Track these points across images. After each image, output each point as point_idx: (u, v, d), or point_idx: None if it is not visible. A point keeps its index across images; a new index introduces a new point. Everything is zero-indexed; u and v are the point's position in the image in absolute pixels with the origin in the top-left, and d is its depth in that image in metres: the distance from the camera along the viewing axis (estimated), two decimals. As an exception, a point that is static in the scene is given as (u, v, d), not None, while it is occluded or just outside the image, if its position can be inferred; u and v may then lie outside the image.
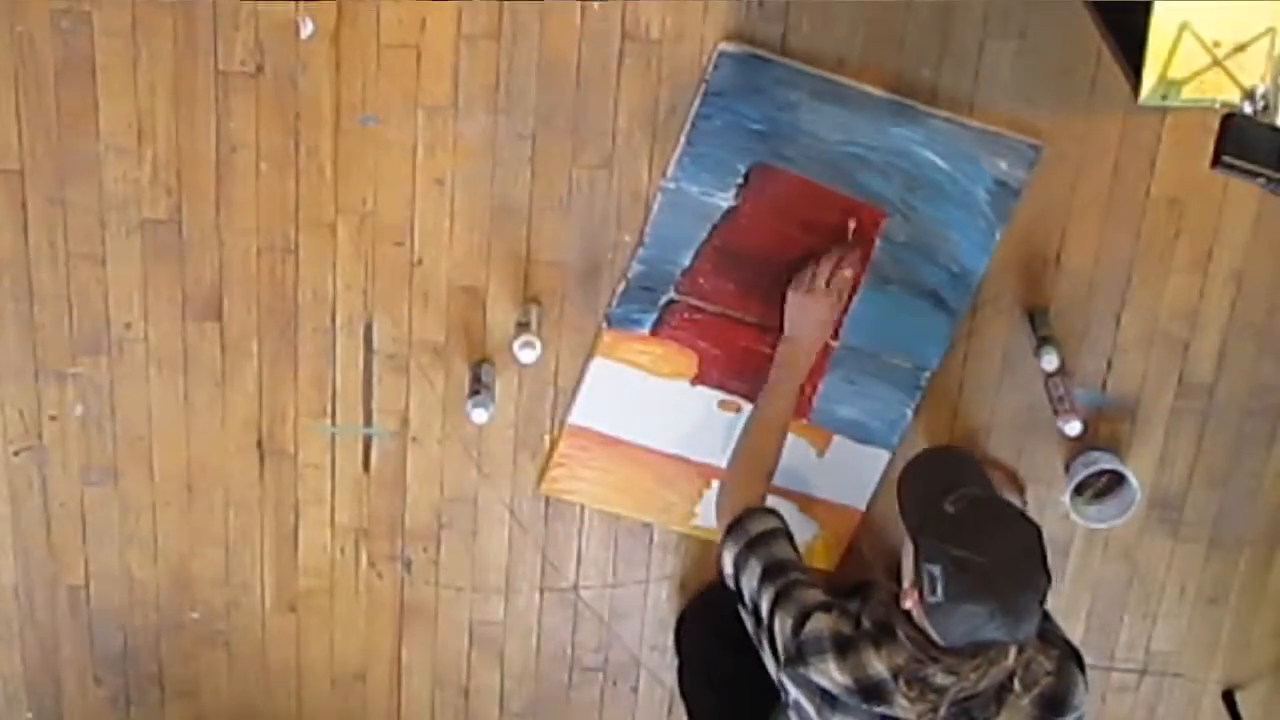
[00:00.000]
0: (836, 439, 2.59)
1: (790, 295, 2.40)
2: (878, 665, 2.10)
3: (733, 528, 2.27)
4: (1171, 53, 1.86)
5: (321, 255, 2.48)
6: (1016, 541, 2.04)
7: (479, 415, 2.44)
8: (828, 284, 2.37)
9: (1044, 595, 2.04)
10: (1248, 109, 1.85)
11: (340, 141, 2.40)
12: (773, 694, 2.26)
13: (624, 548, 2.69)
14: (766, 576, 2.20)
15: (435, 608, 2.74)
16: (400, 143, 2.41)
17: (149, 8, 2.31)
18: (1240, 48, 1.86)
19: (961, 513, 2.02)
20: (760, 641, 2.21)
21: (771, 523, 2.28)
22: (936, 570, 1.98)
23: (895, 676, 2.08)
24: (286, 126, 2.39)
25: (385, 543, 2.68)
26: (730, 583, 2.27)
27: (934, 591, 1.98)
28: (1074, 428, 2.48)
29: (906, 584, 2.06)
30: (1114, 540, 2.70)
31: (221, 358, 2.54)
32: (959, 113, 2.38)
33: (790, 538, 2.27)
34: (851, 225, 2.42)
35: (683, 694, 2.68)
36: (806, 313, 2.39)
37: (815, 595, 2.17)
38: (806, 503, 2.64)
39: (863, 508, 2.65)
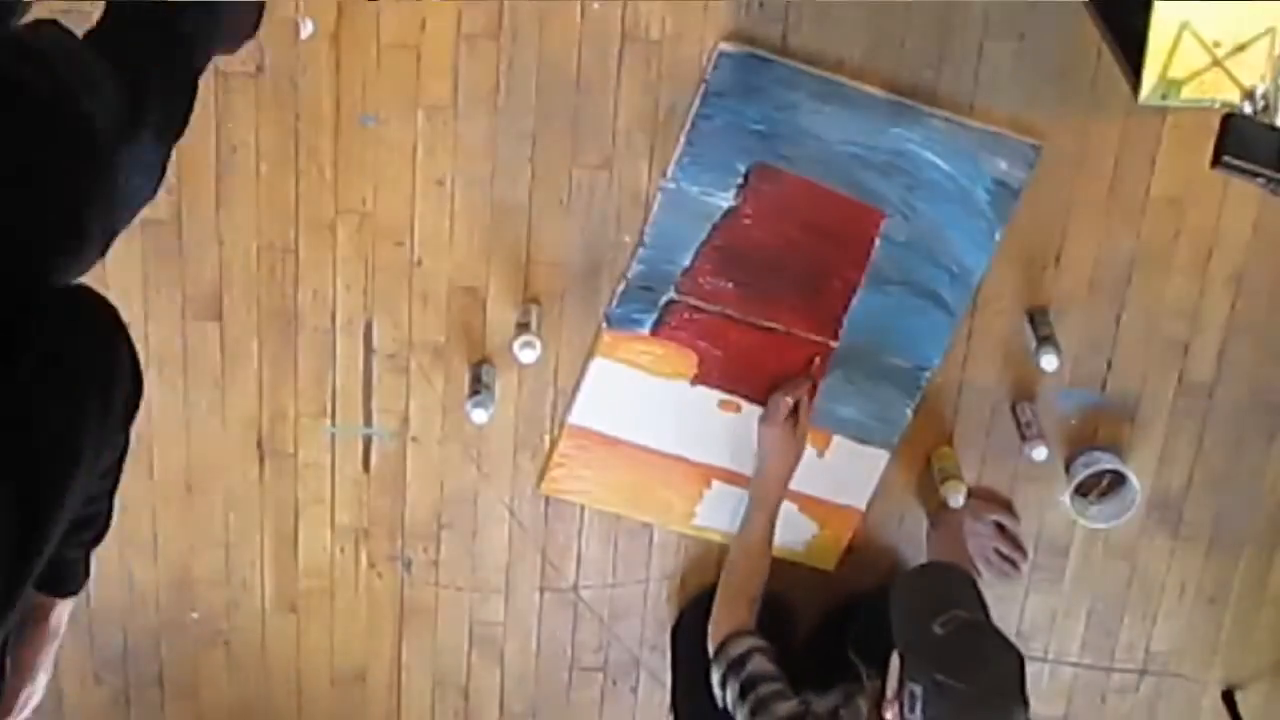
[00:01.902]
0: (836, 439, 2.59)
1: (759, 429, 2.51)
2: None
3: (718, 652, 2.35)
4: (1171, 53, 1.86)
5: (321, 255, 2.48)
6: (999, 671, 2.08)
7: (479, 415, 2.44)
8: (782, 415, 2.47)
9: None
10: (1248, 109, 1.85)
11: (340, 141, 2.40)
12: None
13: (624, 548, 2.69)
14: (743, 693, 2.28)
15: (435, 608, 2.74)
16: (400, 143, 2.41)
17: (149, 8, 2.31)
18: (1240, 48, 1.86)
19: (949, 636, 2.08)
20: None
21: (750, 643, 2.34)
22: (918, 690, 2.03)
23: None
24: (286, 126, 2.39)
25: (385, 543, 2.68)
26: (719, 699, 2.34)
27: (913, 709, 2.03)
28: (1040, 453, 2.51)
29: (889, 694, 2.10)
30: (1114, 540, 2.70)
31: (221, 358, 2.54)
32: (959, 113, 2.38)
33: (769, 651, 2.33)
34: (816, 360, 2.52)
35: (673, 705, 2.68)
36: (766, 443, 2.50)
37: (789, 707, 2.24)
38: (806, 503, 2.64)
39: (863, 507, 2.65)
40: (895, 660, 2.10)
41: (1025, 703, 2.08)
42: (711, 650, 2.36)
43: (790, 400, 2.48)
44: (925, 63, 2.36)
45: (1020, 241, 2.47)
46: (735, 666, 2.30)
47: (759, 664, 2.29)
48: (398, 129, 2.40)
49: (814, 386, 2.52)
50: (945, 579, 2.29)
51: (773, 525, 2.49)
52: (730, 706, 2.30)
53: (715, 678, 2.34)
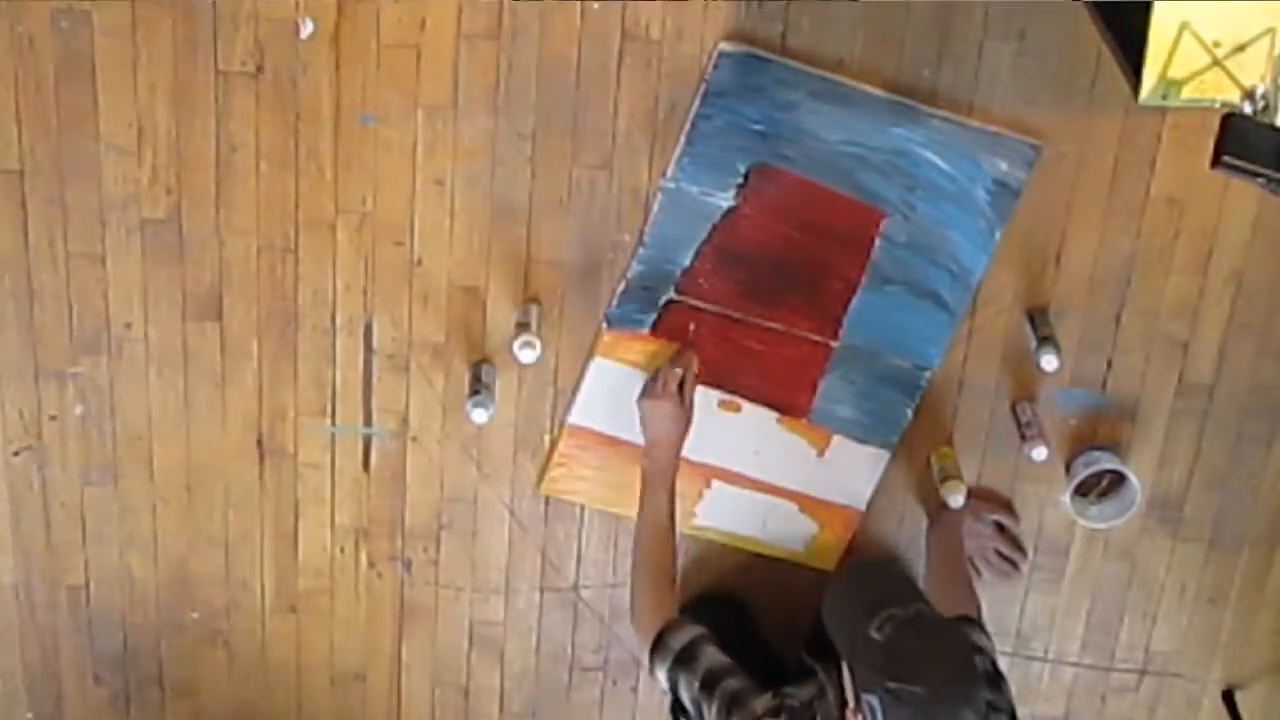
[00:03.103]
0: (836, 439, 2.60)
1: (639, 404, 2.49)
2: None
3: (656, 646, 2.29)
4: (1171, 53, 1.86)
5: (321, 255, 2.48)
6: (948, 660, 2.04)
7: (479, 415, 2.44)
8: (671, 387, 2.44)
9: (988, 701, 2.04)
10: (1248, 109, 1.85)
11: (340, 141, 2.40)
12: None
13: (624, 548, 2.69)
14: (705, 688, 2.21)
15: (435, 608, 2.74)
16: (400, 143, 2.41)
17: (149, 8, 2.31)
18: (1240, 48, 1.86)
19: (890, 639, 2.02)
20: None
21: (693, 632, 2.29)
22: (874, 700, 2.00)
23: None
24: (286, 126, 2.39)
25: (385, 543, 2.68)
26: (670, 695, 2.29)
27: (874, 719, 2.00)
28: (1040, 453, 2.50)
29: (850, 703, 2.07)
30: (1114, 540, 2.70)
31: (221, 358, 2.54)
32: (959, 113, 2.38)
33: (714, 640, 2.28)
34: (692, 327, 2.49)
35: (673, 705, 2.68)
36: (657, 416, 2.46)
37: (765, 702, 2.19)
38: (806, 503, 2.64)
39: (863, 508, 2.65)
40: (846, 672, 2.07)
41: (985, 677, 2.04)
42: (647, 644, 2.30)
43: (678, 371, 2.46)
44: (925, 62, 2.36)
45: (1020, 241, 2.47)
46: (685, 660, 2.24)
47: (712, 656, 2.24)
48: (398, 129, 2.40)
49: (701, 359, 2.50)
50: (871, 578, 2.26)
51: (672, 502, 2.44)
52: (689, 703, 2.24)
53: (661, 673, 2.27)
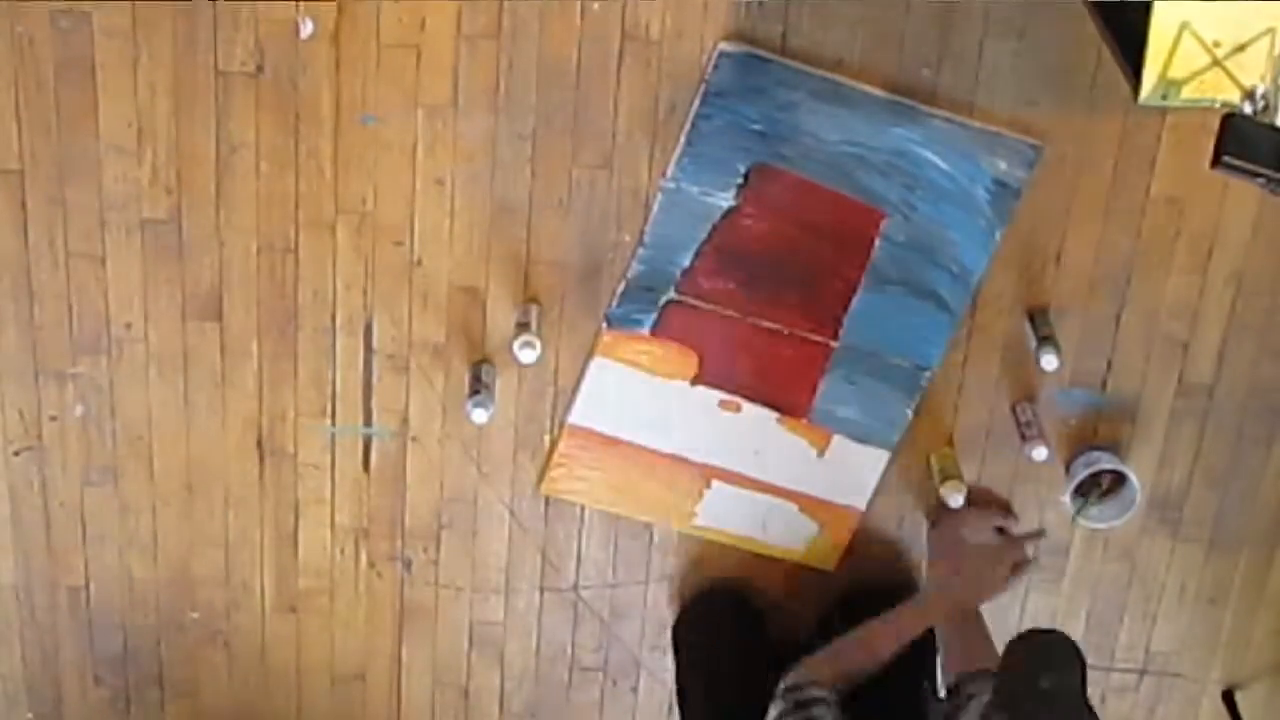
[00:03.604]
0: (836, 439, 2.60)
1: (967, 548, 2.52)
2: None
3: (792, 686, 2.25)
4: (1171, 53, 1.86)
5: (321, 255, 2.48)
6: None
7: (479, 415, 2.44)
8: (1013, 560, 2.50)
9: None
10: (1248, 109, 1.85)
11: (340, 141, 2.40)
12: (769, 697, 2.27)
13: (624, 548, 2.69)
14: None
15: (435, 608, 2.74)
16: (400, 143, 2.41)
17: (149, 8, 2.31)
18: (1240, 48, 1.86)
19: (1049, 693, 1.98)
20: None
21: (823, 694, 2.24)
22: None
23: None
24: (286, 126, 2.39)
25: (385, 543, 2.68)
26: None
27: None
28: (1040, 453, 2.50)
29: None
30: (1114, 540, 2.70)
31: (221, 358, 2.54)
32: (959, 113, 2.38)
33: (834, 707, 2.23)
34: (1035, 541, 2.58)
35: (679, 692, 2.68)
36: (974, 572, 2.49)
37: None
38: (806, 503, 2.64)
39: (863, 507, 2.65)
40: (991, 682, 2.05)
41: None
42: (789, 677, 2.27)
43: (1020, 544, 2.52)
44: (925, 62, 2.36)
45: (1020, 241, 2.47)
46: (801, 707, 2.21)
47: (821, 713, 2.20)
48: (398, 129, 2.40)
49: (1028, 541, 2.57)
50: (1054, 645, 2.15)
51: (903, 641, 2.38)
52: None
53: (778, 700, 2.24)
